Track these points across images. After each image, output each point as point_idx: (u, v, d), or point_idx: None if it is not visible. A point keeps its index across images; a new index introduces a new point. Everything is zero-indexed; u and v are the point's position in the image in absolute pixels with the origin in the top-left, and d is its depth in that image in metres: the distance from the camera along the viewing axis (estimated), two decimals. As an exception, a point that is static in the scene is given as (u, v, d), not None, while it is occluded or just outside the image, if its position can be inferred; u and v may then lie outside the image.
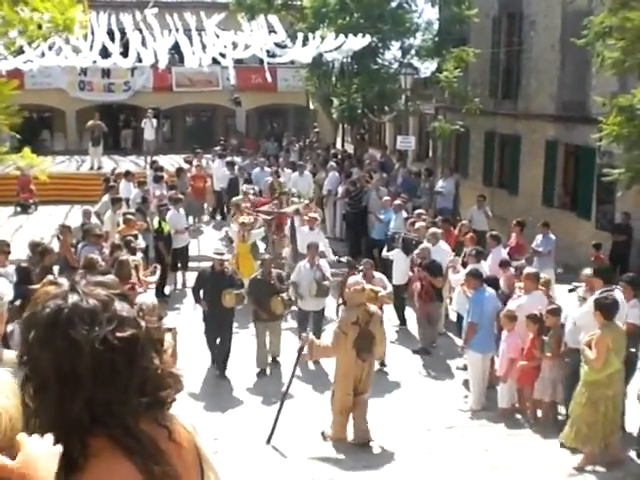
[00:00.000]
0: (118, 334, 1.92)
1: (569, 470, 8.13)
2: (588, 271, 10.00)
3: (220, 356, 12.27)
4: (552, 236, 15.93)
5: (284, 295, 12.44)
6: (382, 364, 12.18)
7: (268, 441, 9.32)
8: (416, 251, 13.71)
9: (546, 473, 7.99)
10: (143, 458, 1.94)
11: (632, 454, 8.41)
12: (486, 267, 12.97)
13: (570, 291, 10.19)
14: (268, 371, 12.39)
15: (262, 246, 17.45)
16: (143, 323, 2.00)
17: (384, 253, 15.45)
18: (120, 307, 1.98)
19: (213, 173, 23.83)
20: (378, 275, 12.96)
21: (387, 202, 18.25)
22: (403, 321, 14.62)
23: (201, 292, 12.52)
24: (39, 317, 1.93)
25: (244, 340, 12.94)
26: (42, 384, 1.92)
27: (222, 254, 12.99)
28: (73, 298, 1.94)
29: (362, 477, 8.14)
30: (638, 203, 16.10)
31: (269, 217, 17.41)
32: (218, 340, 12.30)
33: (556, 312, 9.89)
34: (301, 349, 9.72)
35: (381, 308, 11.50)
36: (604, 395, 8.02)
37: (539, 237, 15.86)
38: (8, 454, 1.86)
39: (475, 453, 8.84)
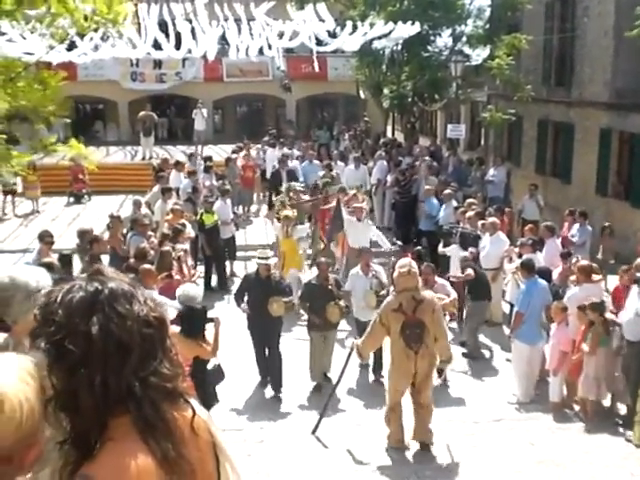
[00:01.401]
0: (153, 314, 2.05)
1: (616, 467, 7.98)
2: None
3: (272, 373, 11.20)
4: (589, 227, 15.71)
5: (341, 302, 11.37)
6: (444, 379, 11.21)
7: (314, 432, 9.32)
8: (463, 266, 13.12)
9: (592, 469, 7.85)
10: (160, 442, 1.96)
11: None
12: (541, 258, 12.82)
13: (635, 282, 9.91)
14: (315, 378, 11.42)
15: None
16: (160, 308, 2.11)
17: (440, 249, 14.98)
18: (143, 292, 2.10)
19: (266, 162, 23.77)
20: (441, 281, 11.91)
21: (430, 191, 18.16)
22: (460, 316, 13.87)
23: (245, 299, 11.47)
24: (67, 300, 1.97)
25: (293, 351, 11.87)
26: (82, 360, 1.92)
27: (267, 258, 11.63)
28: (112, 284, 2.03)
29: (405, 469, 8.08)
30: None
31: (311, 203, 16.79)
32: (267, 353, 11.30)
33: (597, 307, 9.68)
34: (350, 353, 9.41)
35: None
36: None
37: (575, 227, 15.63)
38: (30, 441, 1.93)
39: (521, 447, 8.72)
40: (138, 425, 1.95)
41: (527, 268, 11.06)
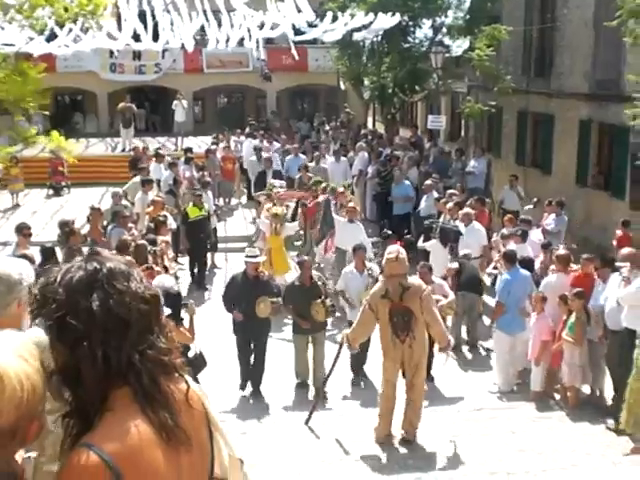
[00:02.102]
0: (148, 292, 2.14)
1: (598, 455, 8.05)
2: (630, 250, 9.75)
3: (254, 375, 10.78)
4: (565, 217, 15.83)
5: (327, 300, 10.73)
6: (429, 376, 10.57)
7: (306, 422, 9.29)
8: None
9: (574, 457, 7.91)
10: (158, 412, 2.05)
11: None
12: (529, 248, 12.90)
13: (613, 271, 9.97)
14: (310, 380, 10.98)
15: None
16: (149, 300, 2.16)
17: (420, 244, 14.82)
18: (139, 272, 2.19)
19: (243, 154, 23.63)
20: (438, 281, 11.29)
21: (400, 177, 18.66)
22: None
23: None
24: (67, 279, 2.06)
25: (279, 355, 11.35)
26: (84, 335, 1.99)
27: (255, 256, 11.17)
28: (110, 263, 2.12)
29: (388, 458, 8.11)
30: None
31: (300, 201, 16.50)
32: (252, 357, 10.78)
33: (581, 295, 9.75)
34: (341, 344, 9.18)
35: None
36: None
37: (552, 216, 15.76)
38: (32, 417, 1.98)
39: (503, 435, 8.78)
40: (137, 396, 2.05)
41: (508, 258, 11.11)
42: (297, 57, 24.18)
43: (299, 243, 16.58)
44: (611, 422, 8.94)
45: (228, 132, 25.84)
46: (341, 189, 16.53)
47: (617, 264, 10.09)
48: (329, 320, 11.41)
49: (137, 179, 17.54)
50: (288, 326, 11.62)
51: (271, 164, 20.22)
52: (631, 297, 8.69)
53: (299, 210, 16.91)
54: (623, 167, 18.30)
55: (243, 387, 10.84)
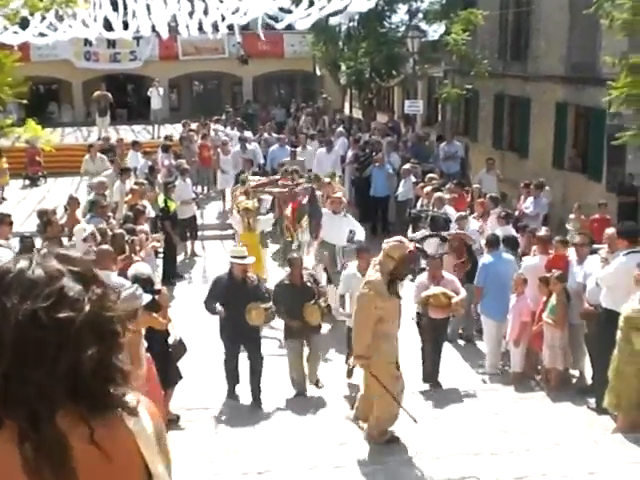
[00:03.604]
0: (52, 313, 1.77)
1: (579, 434, 8.13)
2: (611, 231, 9.83)
3: (252, 384, 9.82)
4: (544, 199, 15.93)
5: (321, 301, 9.94)
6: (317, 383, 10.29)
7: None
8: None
9: (556, 437, 7.99)
10: (35, 452, 1.75)
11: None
12: (512, 230, 12.94)
13: (592, 253, 10.04)
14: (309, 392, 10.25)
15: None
16: (88, 308, 1.83)
17: (410, 234, 13.99)
18: (69, 286, 1.83)
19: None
20: (449, 276, 10.55)
21: (379, 159, 18.84)
22: None
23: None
24: None
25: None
26: None
27: (243, 257, 10.00)
28: (21, 264, 1.83)
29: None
30: (649, 164, 15.99)
31: (279, 191, 15.41)
32: (248, 365, 9.87)
33: (563, 278, 9.82)
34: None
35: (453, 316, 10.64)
36: None
37: (530, 199, 15.86)
38: None
39: (485, 417, 8.85)
40: (15, 430, 1.77)
41: (490, 242, 11.16)
42: (262, 37, 23.65)
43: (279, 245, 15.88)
44: (592, 401, 9.03)
45: (204, 119, 25.73)
46: (327, 179, 15.48)
47: (595, 246, 10.19)
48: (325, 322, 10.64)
49: (109, 172, 17.35)
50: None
51: (251, 165, 18.95)
52: (610, 278, 8.75)
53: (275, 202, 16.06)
54: (599, 149, 18.44)
55: (231, 395, 9.97)
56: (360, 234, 12.97)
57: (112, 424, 1.87)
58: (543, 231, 11.84)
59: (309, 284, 10.04)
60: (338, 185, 15.77)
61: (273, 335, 11.40)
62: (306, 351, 10.16)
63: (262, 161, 20.77)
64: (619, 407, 8.05)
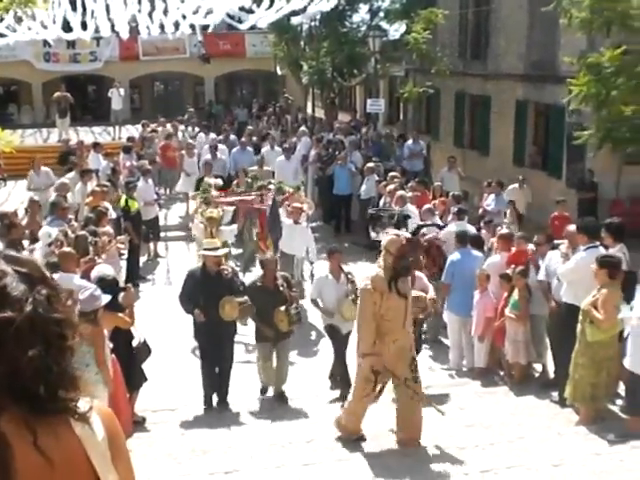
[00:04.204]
0: None
1: (543, 427, 8.24)
2: (572, 228, 9.96)
3: (220, 384, 9.60)
4: (505, 196, 16.11)
5: (292, 307, 9.58)
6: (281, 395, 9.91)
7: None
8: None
9: (520, 430, 8.09)
10: None
11: (615, 409, 8.51)
12: (470, 227, 13.05)
13: (552, 248, 10.17)
14: (270, 391, 10.04)
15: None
16: (30, 308, 1.79)
17: (372, 235, 14.28)
18: (11, 285, 1.80)
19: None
20: (417, 274, 9.80)
21: (342, 158, 19.00)
22: None
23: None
24: None
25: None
26: None
27: (216, 249, 9.74)
28: None
29: (335, 437, 8.17)
30: (607, 162, 16.19)
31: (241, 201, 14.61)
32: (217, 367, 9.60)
33: (525, 273, 9.93)
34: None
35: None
36: (607, 355, 8.00)
37: (491, 196, 16.02)
38: None
39: (452, 412, 8.91)
40: None
41: (458, 239, 11.24)
42: (235, 45, 23.73)
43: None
44: (555, 395, 9.14)
45: (164, 120, 25.58)
46: (290, 190, 14.77)
47: (556, 242, 10.32)
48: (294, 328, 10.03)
49: (72, 174, 17.15)
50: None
51: (210, 169, 18.27)
52: (570, 273, 8.88)
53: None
54: (559, 146, 18.67)
55: (208, 402, 9.59)
56: (312, 254, 12.82)
57: (58, 429, 1.83)
58: (504, 229, 11.96)
59: (282, 288, 9.65)
60: (302, 196, 15.10)
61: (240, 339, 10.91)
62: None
63: (233, 172, 19.83)
64: (577, 399, 8.20)
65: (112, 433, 1.97)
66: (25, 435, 1.77)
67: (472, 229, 12.65)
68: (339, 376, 10.06)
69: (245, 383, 10.04)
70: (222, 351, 9.47)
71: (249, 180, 15.86)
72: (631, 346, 7.53)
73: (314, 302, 10.22)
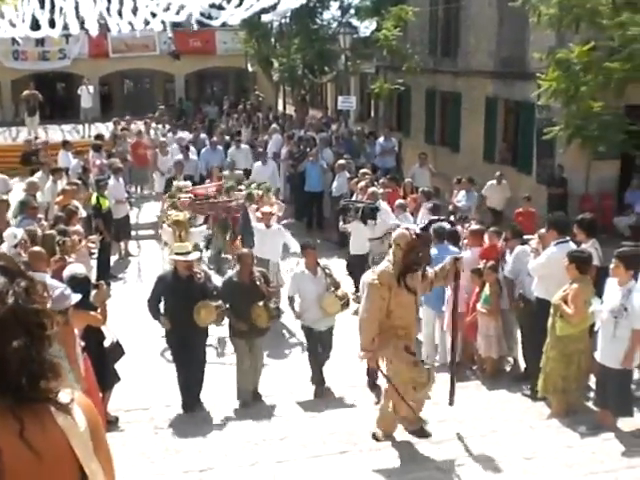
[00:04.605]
0: None
1: (516, 420, 8.30)
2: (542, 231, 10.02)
3: (192, 389, 9.41)
4: (475, 193, 16.21)
5: (270, 302, 9.49)
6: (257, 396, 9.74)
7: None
8: None
9: (493, 424, 8.14)
10: None
11: (587, 402, 8.59)
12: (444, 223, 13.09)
13: (523, 243, 10.25)
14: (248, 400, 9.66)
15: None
16: (12, 300, 1.84)
17: (341, 226, 14.34)
18: None
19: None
20: None
21: (313, 154, 19.05)
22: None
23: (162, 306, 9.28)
24: None
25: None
26: None
27: (187, 253, 9.43)
28: None
29: (310, 435, 8.19)
30: (577, 158, 16.34)
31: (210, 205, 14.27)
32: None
33: (496, 268, 10.01)
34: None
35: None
36: (577, 349, 8.08)
37: (462, 193, 16.10)
38: None
39: (425, 406, 8.94)
40: None
41: (436, 234, 11.27)
42: (206, 42, 23.60)
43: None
44: (526, 388, 9.23)
45: (131, 117, 25.43)
46: (259, 193, 14.51)
47: (525, 237, 10.40)
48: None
49: (40, 173, 16.98)
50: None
51: (182, 169, 18.22)
52: (541, 267, 8.95)
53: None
54: (529, 142, 18.80)
55: (186, 407, 9.37)
56: (294, 247, 12.50)
57: (42, 419, 1.87)
58: (475, 225, 12.01)
59: (258, 283, 9.45)
60: (273, 198, 14.99)
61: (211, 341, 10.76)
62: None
63: (204, 172, 19.60)
64: (548, 392, 8.29)
65: (93, 424, 2.01)
66: (12, 425, 1.81)
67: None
68: (312, 374, 9.99)
69: (218, 382, 9.98)
70: (195, 354, 9.27)
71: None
72: (601, 339, 7.62)
73: (290, 300, 10.04)
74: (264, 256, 12.38)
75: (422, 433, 7.76)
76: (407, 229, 7.71)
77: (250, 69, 35.23)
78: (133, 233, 17.52)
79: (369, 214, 13.56)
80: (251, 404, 9.53)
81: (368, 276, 7.60)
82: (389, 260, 7.39)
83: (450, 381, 8.15)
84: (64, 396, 1.92)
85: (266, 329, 9.61)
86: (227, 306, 9.25)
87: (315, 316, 9.77)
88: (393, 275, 7.25)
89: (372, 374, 9.67)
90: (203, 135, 23.66)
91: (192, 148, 20.95)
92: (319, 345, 9.95)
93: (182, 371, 9.33)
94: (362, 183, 15.51)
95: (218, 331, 10.63)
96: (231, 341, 9.83)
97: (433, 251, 11.00)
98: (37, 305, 1.89)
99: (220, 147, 20.97)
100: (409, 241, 7.29)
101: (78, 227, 12.95)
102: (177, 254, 9.39)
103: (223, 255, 15.38)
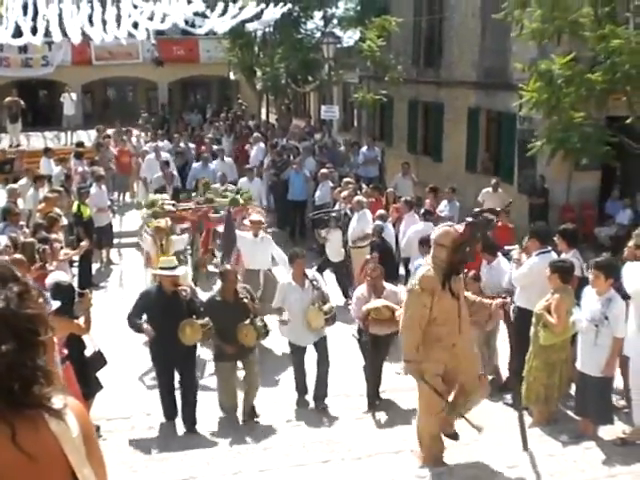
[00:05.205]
0: None
1: (497, 428, 8.31)
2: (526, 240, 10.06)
3: (186, 410, 8.99)
4: (457, 203, 16.27)
5: (257, 320, 9.00)
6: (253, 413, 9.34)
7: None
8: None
9: (475, 433, 8.15)
10: None
11: (568, 411, 8.63)
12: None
13: (504, 255, 10.31)
14: (240, 418, 9.28)
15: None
16: (2, 305, 1.85)
17: (322, 233, 14.42)
18: None
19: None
20: (391, 287, 9.75)
21: (297, 163, 19.21)
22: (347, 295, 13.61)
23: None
24: None
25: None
26: None
27: (173, 267, 9.00)
28: None
29: (292, 442, 8.19)
30: (558, 168, 16.44)
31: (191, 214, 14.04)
32: (177, 389, 9.04)
33: (478, 278, 10.04)
34: None
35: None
36: (560, 358, 8.10)
37: (444, 202, 16.18)
38: None
39: (405, 416, 8.96)
40: None
41: (424, 243, 11.27)
42: (189, 51, 23.54)
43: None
44: (508, 397, 9.25)
45: (130, 130, 25.30)
46: (241, 200, 14.29)
47: (507, 247, 10.48)
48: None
49: (24, 180, 16.89)
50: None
51: (172, 179, 18.07)
52: (523, 278, 9.01)
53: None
54: (511, 152, 18.92)
55: (171, 425, 9.06)
56: (281, 259, 11.87)
57: (35, 425, 1.87)
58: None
59: (244, 300, 8.98)
60: (256, 207, 14.60)
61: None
62: (240, 374, 9.35)
63: (179, 184, 19.08)
64: (531, 401, 8.33)
65: (86, 429, 2.02)
66: (3, 430, 1.81)
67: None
68: (297, 385, 9.79)
69: (204, 397, 9.91)
70: (182, 372, 8.91)
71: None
72: (582, 348, 7.67)
73: (277, 312, 9.71)
74: (254, 266, 11.90)
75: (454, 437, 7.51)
76: (449, 225, 7.12)
77: (232, 77, 35.21)
78: (115, 241, 17.44)
79: (345, 220, 13.72)
80: (247, 422, 9.17)
81: (409, 283, 7.05)
82: (428, 263, 6.90)
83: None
84: (57, 402, 1.92)
85: (253, 348, 9.17)
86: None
87: (299, 330, 9.43)
88: (435, 279, 6.70)
89: (372, 395, 9.45)
90: (191, 145, 23.41)
91: (171, 163, 20.21)
92: (317, 357, 9.62)
93: (166, 388, 9.00)
94: (345, 192, 15.55)
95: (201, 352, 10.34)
96: (215, 365, 9.38)
97: (420, 261, 10.95)
98: (30, 310, 1.88)
99: (211, 164, 19.96)
100: (454, 238, 6.72)
101: (59, 235, 12.89)
102: (162, 268, 8.94)
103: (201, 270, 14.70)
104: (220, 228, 13.39)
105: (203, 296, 10.41)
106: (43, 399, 1.89)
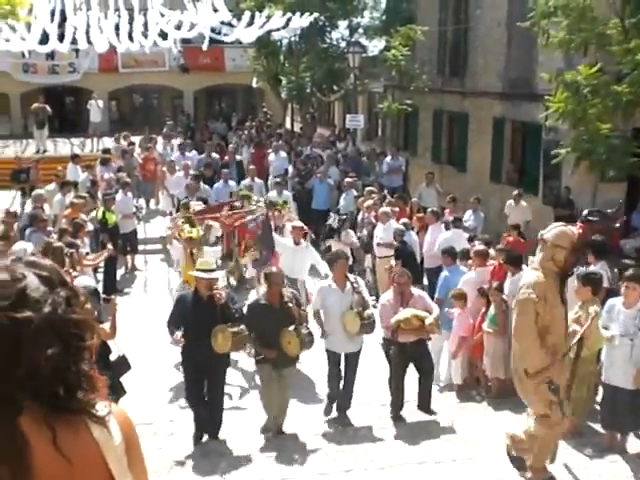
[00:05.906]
0: (10, 312, 1.78)
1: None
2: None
3: (212, 420, 8.72)
4: (482, 214, 16.20)
5: (302, 328, 8.57)
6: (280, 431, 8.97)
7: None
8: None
9: (498, 444, 8.12)
10: None
11: (596, 425, 8.57)
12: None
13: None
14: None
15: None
16: (48, 309, 1.83)
17: (355, 240, 14.75)
18: (31, 287, 1.84)
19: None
20: (418, 292, 9.54)
21: (321, 172, 19.20)
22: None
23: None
24: None
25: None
26: None
27: (212, 270, 8.78)
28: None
29: (315, 450, 8.19)
30: (584, 179, 16.35)
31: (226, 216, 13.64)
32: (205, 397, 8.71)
33: (501, 288, 10.00)
34: None
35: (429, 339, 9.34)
36: (589, 371, 8.07)
37: (469, 212, 16.12)
38: None
39: (429, 426, 8.95)
40: None
41: (448, 254, 11.27)
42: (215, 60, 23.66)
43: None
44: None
45: (155, 137, 25.43)
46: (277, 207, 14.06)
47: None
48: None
49: (52, 186, 17.06)
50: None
51: (196, 190, 17.16)
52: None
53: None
54: (536, 163, 18.83)
55: (199, 437, 8.75)
56: (323, 268, 11.55)
57: (77, 430, 1.87)
58: (479, 245, 12.01)
59: (290, 305, 8.62)
60: (289, 214, 14.44)
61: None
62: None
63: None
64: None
65: (129, 438, 2.02)
66: (45, 434, 1.81)
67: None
68: (329, 393, 9.54)
69: (232, 404, 9.85)
70: (211, 381, 8.61)
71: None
72: (615, 362, 7.61)
73: (316, 315, 9.25)
74: (292, 275, 11.41)
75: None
76: (564, 225, 6.60)
77: (255, 86, 35.34)
78: (140, 247, 17.54)
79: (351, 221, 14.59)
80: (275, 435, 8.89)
81: (522, 292, 6.42)
82: (535, 268, 6.46)
83: None
84: (101, 408, 1.93)
85: (296, 359, 8.88)
86: (248, 333, 8.49)
87: (338, 336, 9.03)
88: (547, 284, 6.30)
89: (396, 406, 9.34)
90: (214, 155, 22.88)
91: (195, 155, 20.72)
92: (345, 368, 9.30)
93: (196, 396, 8.69)
94: (368, 202, 15.56)
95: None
96: (256, 367, 9.09)
97: (446, 272, 10.98)
98: (77, 315, 1.90)
99: (232, 182, 19.37)
100: (573, 239, 6.30)
101: (85, 240, 13.00)
102: (199, 270, 8.67)
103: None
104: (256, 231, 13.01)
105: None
106: (87, 405, 1.90)
